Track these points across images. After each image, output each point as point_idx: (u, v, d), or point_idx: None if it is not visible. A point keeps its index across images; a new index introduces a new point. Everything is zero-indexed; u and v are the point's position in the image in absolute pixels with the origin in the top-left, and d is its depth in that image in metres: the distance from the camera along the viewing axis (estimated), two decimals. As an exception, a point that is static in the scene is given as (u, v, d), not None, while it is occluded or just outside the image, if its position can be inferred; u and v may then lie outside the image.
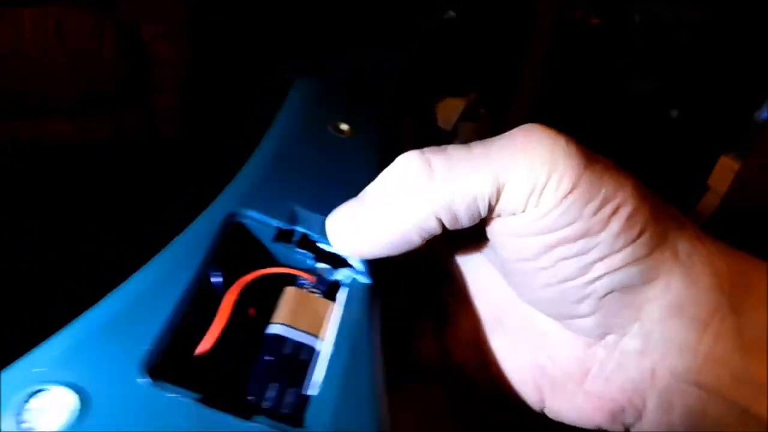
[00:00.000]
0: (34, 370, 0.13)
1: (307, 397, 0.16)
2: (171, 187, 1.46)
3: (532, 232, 0.17)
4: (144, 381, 0.14)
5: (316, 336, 0.18)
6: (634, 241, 0.17)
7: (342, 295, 0.19)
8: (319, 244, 0.19)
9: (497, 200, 0.17)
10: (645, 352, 0.18)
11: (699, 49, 1.17)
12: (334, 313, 0.18)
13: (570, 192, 0.16)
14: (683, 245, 0.17)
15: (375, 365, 0.17)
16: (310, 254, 0.20)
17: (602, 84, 1.14)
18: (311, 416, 0.16)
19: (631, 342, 0.18)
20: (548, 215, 0.17)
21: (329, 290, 0.19)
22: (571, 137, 0.17)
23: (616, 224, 0.16)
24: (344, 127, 0.24)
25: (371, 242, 0.18)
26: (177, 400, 0.14)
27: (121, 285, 0.17)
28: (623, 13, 1.14)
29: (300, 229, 0.19)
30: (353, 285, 0.19)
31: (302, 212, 0.20)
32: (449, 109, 1.95)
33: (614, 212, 0.16)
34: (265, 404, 0.16)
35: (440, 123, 1.95)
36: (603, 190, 0.16)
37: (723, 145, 0.90)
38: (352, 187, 0.19)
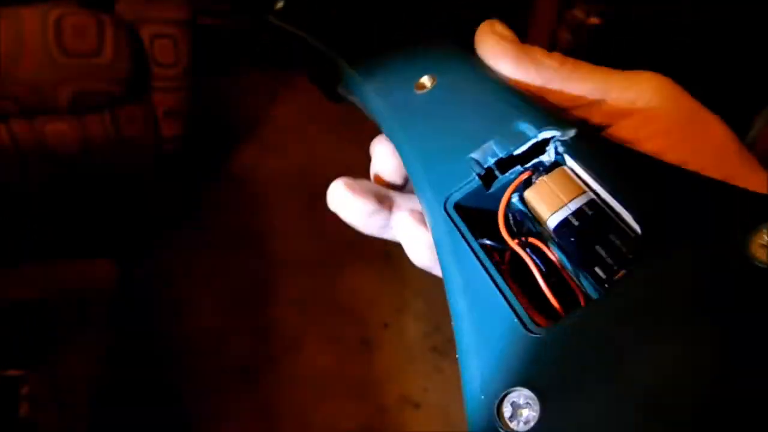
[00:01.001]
0: (490, 383, 0.15)
1: (635, 233, 0.17)
2: (171, 186, 1.47)
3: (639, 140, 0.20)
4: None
5: (584, 192, 0.19)
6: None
7: (566, 157, 0.20)
8: (513, 153, 0.21)
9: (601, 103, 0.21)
10: None
11: (699, 49, 1.17)
12: (575, 169, 0.20)
13: (668, 130, 0.20)
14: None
15: (659, 165, 0.18)
16: (514, 168, 0.21)
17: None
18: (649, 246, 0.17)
19: None
20: (654, 133, 0.20)
21: (551, 167, 0.20)
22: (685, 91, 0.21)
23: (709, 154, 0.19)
24: (425, 80, 0.25)
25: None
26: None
27: (450, 294, 0.19)
28: (623, 13, 1.14)
29: (489, 162, 0.21)
30: (565, 144, 0.20)
31: (477, 152, 0.21)
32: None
33: (703, 145, 0.20)
34: (609, 260, 0.17)
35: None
36: (695, 132, 0.20)
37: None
38: (487, 107, 0.22)
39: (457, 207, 0.21)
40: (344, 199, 0.24)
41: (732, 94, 1.16)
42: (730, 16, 1.21)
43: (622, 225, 0.18)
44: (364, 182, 0.25)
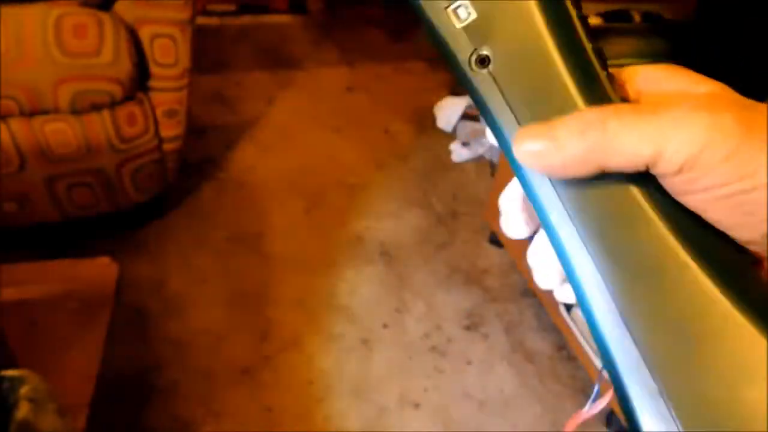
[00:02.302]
0: None
1: None
2: (170, 186, 1.47)
3: (692, 190, 0.20)
4: None
5: None
6: None
7: None
8: None
9: (655, 165, 0.20)
10: None
11: (699, 48, 1.17)
12: None
13: (722, 161, 0.19)
14: None
15: None
16: None
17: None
18: None
19: None
20: (700, 179, 0.19)
21: None
22: (733, 109, 0.20)
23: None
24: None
25: (550, 169, 0.22)
26: None
27: None
28: (623, 13, 1.14)
29: None
30: None
31: None
32: (449, 109, 1.95)
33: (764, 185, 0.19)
34: None
35: (440, 123, 1.96)
36: (753, 170, 0.19)
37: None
38: None
39: None
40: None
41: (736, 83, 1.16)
42: (729, 16, 1.21)
43: None
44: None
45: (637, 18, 1.15)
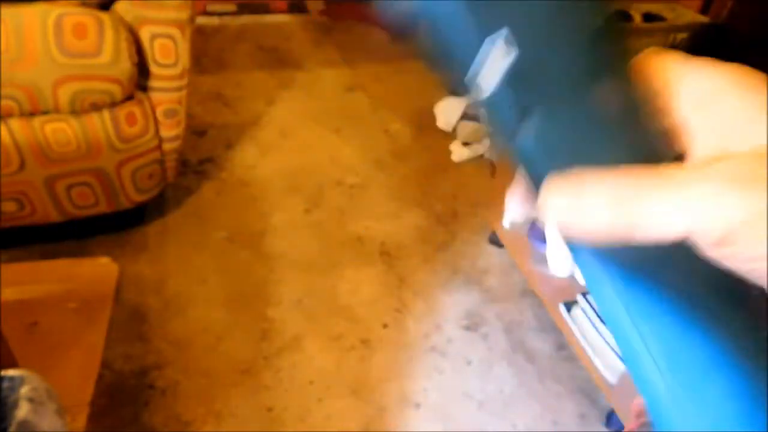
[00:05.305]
0: None
1: None
2: (170, 185, 1.47)
3: (733, 259, 0.19)
4: None
5: None
6: None
7: None
8: None
9: (689, 239, 0.19)
10: None
11: (699, 49, 1.17)
12: None
13: (763, 237, 0.18)
14: None
15: None
16: None
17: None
18: None
19: None
20: (742, 252, 0.18)
21: None
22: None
23: None
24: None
25: (571, 230, 0.20)
26: None
27: None
28: (623, 13, 1.15)
29: None
30: None
31: None
32: (449, 109, 1.95)
33: None
34: None
35: (439, 123, 1.96)
36: None
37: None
38: None
39: None
40: None
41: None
42: (729, 15, 1.21)
43: None
44: None
45: (637, 18, 1.15)
